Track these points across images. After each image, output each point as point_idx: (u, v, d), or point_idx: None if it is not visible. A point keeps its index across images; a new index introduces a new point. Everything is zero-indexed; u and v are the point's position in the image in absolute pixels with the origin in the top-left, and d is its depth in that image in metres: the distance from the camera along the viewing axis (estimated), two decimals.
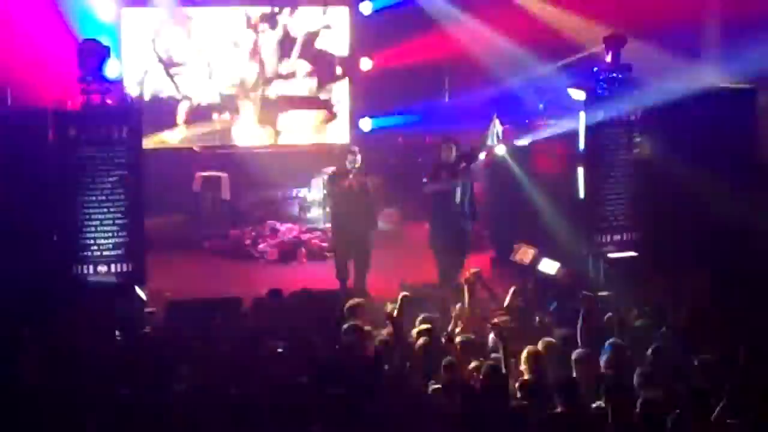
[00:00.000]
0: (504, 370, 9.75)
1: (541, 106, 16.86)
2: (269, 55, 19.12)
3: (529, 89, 17.60)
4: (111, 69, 13.50)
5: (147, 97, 18.26)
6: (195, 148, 18.95)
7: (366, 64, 19.47)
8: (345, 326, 10.80)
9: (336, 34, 19.38)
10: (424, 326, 10.95)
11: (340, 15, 19.39)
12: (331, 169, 16.00)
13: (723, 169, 14.41)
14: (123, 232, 13.46)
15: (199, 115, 18.93)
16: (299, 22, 19.21)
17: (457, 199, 14.61)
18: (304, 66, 19.32)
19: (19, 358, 10.59)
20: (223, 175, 18.60)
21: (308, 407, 9.14)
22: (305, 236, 17.64)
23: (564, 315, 11.94)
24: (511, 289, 12.22)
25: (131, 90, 17.27)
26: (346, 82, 19.52)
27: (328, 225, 16.61)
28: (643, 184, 14.94)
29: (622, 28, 15.32)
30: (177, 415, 9.32)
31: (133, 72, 18.26)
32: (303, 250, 17.20)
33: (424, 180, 14.82)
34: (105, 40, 13.83)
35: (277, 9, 19.11)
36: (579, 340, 10.67)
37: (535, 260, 15.20)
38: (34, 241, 13.02)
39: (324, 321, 11.64)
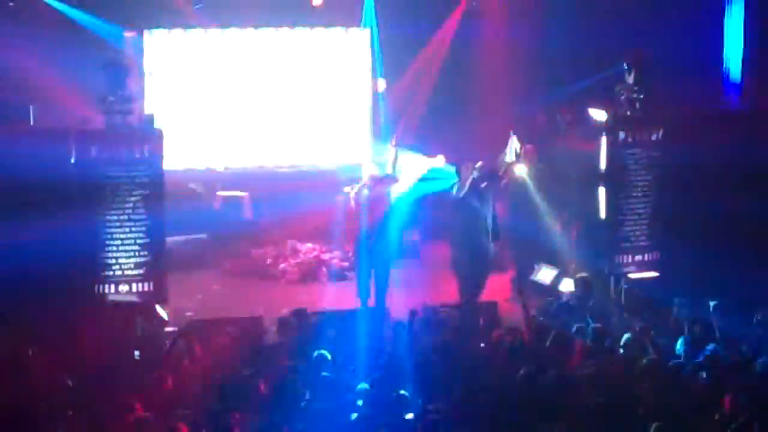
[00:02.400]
0: None
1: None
2: (290, 75, 19.12)
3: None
4: (133, 89, 13.53)
5: (168, 117, 18.22)
6: (217, 168, 18.94)
7: (382, 84, 19.47)
8: None
9: (356, 54, 19.37)
10: None
11: (360, 36, 19.38)
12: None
13: (745, 191, 14.36)
14: (144, 252, 13.54)
15: (219, 135, 18.91)
16: (319, 42, 19.20)
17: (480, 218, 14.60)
18: (326, 86, 19.30)
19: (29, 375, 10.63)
20: (245, 194, 18.59)
21: None
22: (326, 256, 17.62)
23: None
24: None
25: (153, 110, 17.25)
26: (367, 101, 19.49)
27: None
28: (664, 204, 14.86)
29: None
30: None
31: (156, 92, 18.27)
32: (324, 270, 17.19)
33: (453, 192, 14.84)
34: (128, 61, 13.84)
35: (295, 29, 19.09)
36: None
37: (556, 280, 15.22)
38: (55, 260, 13.00)
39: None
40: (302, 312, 12.91)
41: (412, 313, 12.56)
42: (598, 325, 12.23)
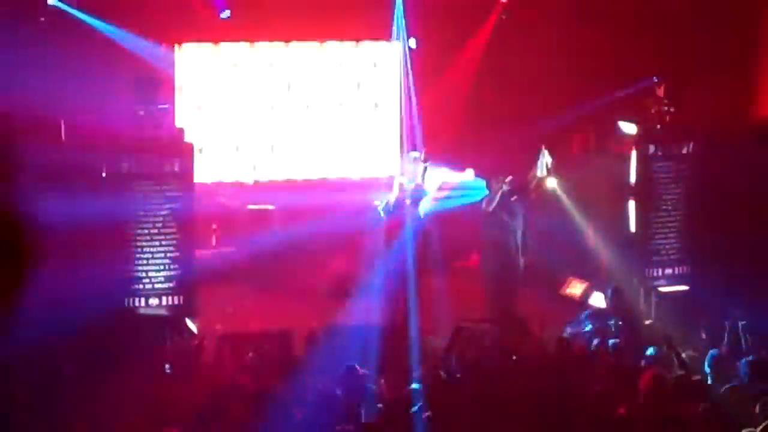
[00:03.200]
0: None
1: None
2: (320, 88, 19.18)
3: None
4: (164, 103, 13.60)
5: (199, 132, 18.32)
6: (246, 181, 18.99)
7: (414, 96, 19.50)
8: None
9: (386, 68, 19.42)
10: None
11: (390, 49, 19.42)
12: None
13: None
14: (174, 265, 13.66)
15: (248, 148, 18.98)
16: (349, 56, 19.25)
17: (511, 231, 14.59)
18: (355, 99, 19.35)
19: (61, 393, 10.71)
20: (272, 207, 18.63)
21: None
22: (356, 270, 17.57)
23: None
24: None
25: (183, 124, 17.35)
26: (397, 114, 19.52)
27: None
28: (694, 217, 14.82)
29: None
30: None
31: (186, 106, 18.38)
32: (353, 284, 17.15)
33: (483, 206, 14.82)
34: (159, 75, 13.90)
35: (325, 44, 19.15)
36: None
37: (586, 295, 15.18)
38: (86, 274, 13.08)
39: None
40: (331, 326, 12.87)
41: (456, 331, 12.52)
42: (617, 340, 12.28)
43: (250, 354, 12.25)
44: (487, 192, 15.10)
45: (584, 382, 10.68)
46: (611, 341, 12.21)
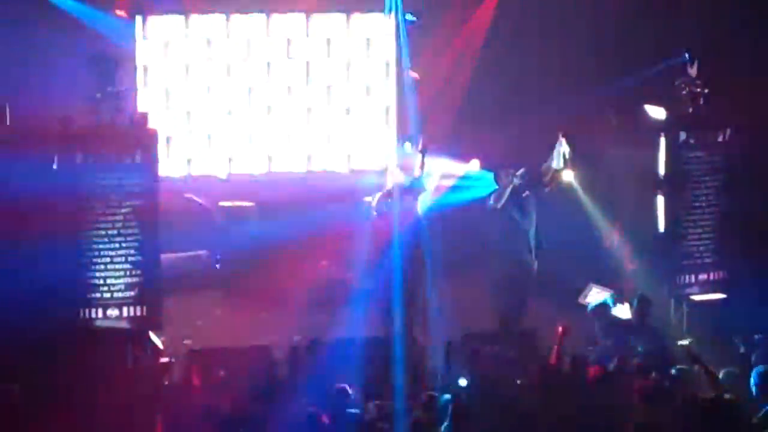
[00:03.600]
0: None
1: None
2: (304, 68, 19.04)
3: None
4: (124, 84, 13.54)
5: (166, 119, 18.16)
6: (219, 175, 18.86)
7: (413, 76, 19.35)
8: None
9: (379, 45, 19.28)
10: None
11: (384, 24, 19.27)
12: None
13: None
14: (137, 271, 13.59)
15: (222, 137, 18.84)
16: (337, 30, 19.11)
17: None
18: (345, 80, 19.22)
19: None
20: (251, 205, 18.50)
21: None
22: (344, 276, 17.47)
23: None
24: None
25: (146, 108, 17.20)
26: (392, 99, 19.40)
27: None
28: (732, 215, 14.76)
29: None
30: None
31: (150, 88, 18.20)
32: (342, 292, 17.03)
33: (490, 202, 14.74)
34: (118, 53, 13.83)
35: (310, 15, 19.00)
36: None
37: None
38: (35, 280, 12.96)
39: None
40: (317, 341, 12.84)
41: (448, 346, 12.58)
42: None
43: (223, 373, 12.28)
44: (495, 186, 15.05)
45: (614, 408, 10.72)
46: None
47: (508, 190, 14.79)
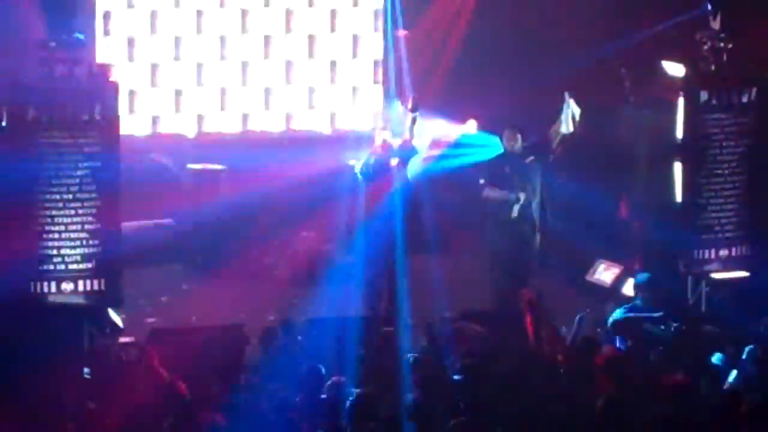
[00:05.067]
0: None
1: None
2: (283, 17, 18.96)
3: None
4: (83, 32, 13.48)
5: (129, 71, 18.07)
6: (187, 135, 18.79)
7: (402, 35, 19.31)
8: None
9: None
10: None
11: None
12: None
13: None
14: (94, 241, 13.60)
15: (191, 92, 18.76)
16: None
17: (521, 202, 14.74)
18: (327, 31, 19.14)
19: None
20: (222, 168, 18.43)
21: None
22: (325, 249, 17.45)
23: None
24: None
25: (107, 59, 17.11)
26: (379, 52, 19.34)
27: None
28: (758, 184, 14.78)
29: None
30: None
31: (114, 38, 18.08)
32: (322, 266, 17.02)
33: (481, 181, 14.67)
34: None
35: None
36: None
37: (619, 281, 15.15)
38: None
39: None
40: (293, 320, 12.87)
41: (429, 327, 12.74)
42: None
43: (190, 355, 12.18)
44: (501, 150, 15.11)
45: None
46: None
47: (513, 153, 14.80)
